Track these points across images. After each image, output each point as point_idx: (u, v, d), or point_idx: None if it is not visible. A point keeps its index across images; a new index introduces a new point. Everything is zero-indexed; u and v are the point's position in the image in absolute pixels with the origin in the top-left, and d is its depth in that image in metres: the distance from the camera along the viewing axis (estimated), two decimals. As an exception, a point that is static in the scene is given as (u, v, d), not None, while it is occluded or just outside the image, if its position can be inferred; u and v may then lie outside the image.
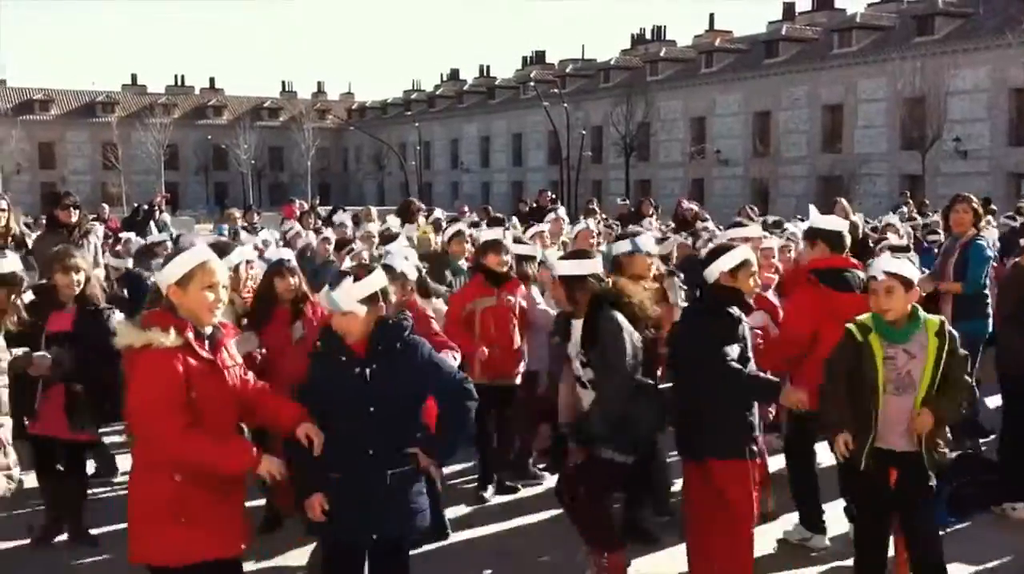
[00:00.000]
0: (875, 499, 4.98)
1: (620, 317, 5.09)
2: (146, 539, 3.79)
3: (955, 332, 4.85)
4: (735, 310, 4.93)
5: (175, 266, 3.79)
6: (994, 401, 8.62)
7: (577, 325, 5.22)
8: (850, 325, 4.94)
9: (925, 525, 4.94)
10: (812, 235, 6.20)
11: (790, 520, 6.36)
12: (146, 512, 3.76)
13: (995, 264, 9.38)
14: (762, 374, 5.13)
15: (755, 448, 5.02)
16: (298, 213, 18.23)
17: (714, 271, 5.06)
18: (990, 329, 7.98)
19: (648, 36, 72.32)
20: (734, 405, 4.96)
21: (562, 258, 5.45)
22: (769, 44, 56.00)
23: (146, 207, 20.22)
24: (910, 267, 4.89)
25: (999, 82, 43.22)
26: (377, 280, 4.18)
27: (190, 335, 3.73)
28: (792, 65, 53.37)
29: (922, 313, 4.84)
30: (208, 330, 3.84)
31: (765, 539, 5.99)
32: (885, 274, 4.79)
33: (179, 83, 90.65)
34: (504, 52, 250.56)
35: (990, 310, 8.01)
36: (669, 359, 5.50)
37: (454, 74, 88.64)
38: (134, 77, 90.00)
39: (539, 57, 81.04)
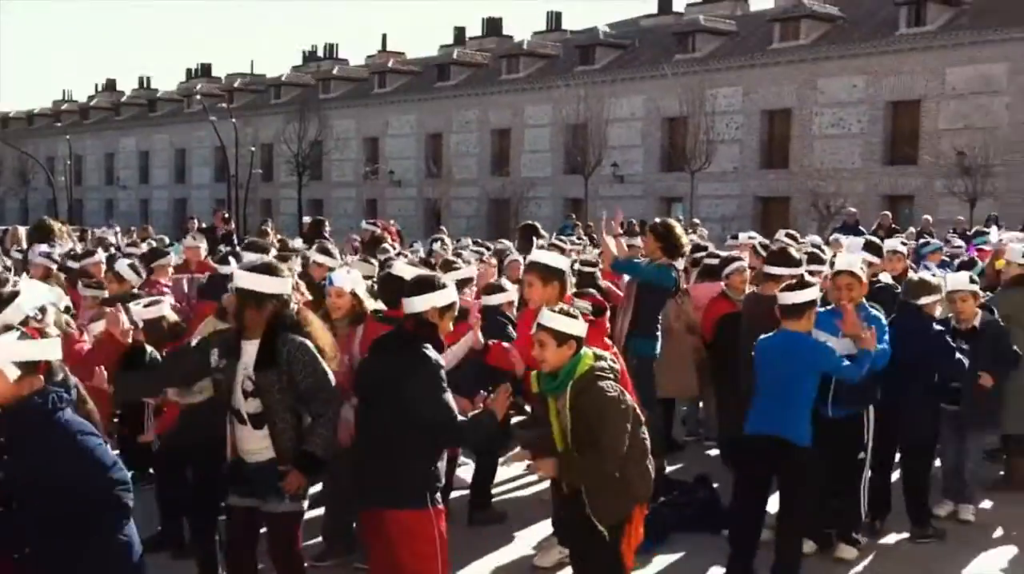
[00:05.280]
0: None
1: (311, 344, 4.74)
2: None
3: (605, 388, 4.61)
4: (431, 350, 4.57)
5: None
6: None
7: (249, 346, 4.70)
8: (533, 373, 4.94)
9: None
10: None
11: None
12: None
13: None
14: (484, 420, 4.70)
15: (438, 496, 4.67)
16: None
17: (423, 303, 4.71)
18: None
19: (320, 54, 71.22)
20: (421, 454, 4.60)
21: (247, 270, 4.86)
22: (441, 67, 56.69)
23: None
24: (565, 321, 4.72)
25: (653, 111, 46.10)
26: None
27: None
28: (463, 89, 54.28)
29: (587, 359, 4.68)
30: None
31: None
32: (538, 326, 4.74)
33: None
34: (166, 63, 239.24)
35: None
36: (356, 391, 4.92)
37: (110, 84, 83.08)
38: None
39: (205, 70, 77.52)
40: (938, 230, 20.38)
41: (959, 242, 15.27)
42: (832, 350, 5.90)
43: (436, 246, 13.03)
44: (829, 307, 6.42)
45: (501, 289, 7.49)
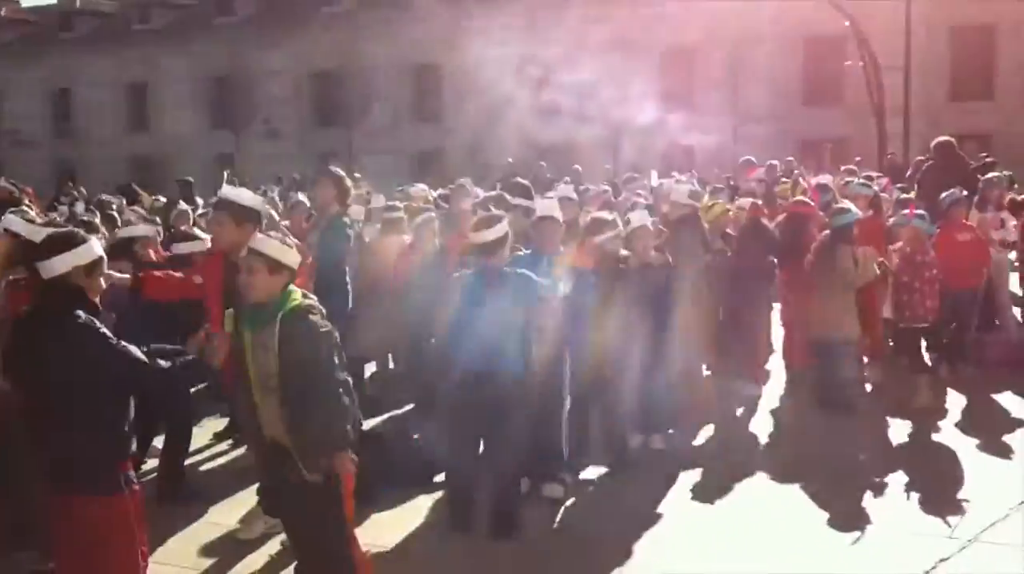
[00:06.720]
0: None
1: None
2: None
3: (318, 322, 4.44)
4: (82, 314, 4.07)
5: None
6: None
7: None
8: (228, 311, 4.70)
9: None
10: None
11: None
12: None
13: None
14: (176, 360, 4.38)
15: (131, 473, 4.27)
16: None
17: (61, 264, 4.12)
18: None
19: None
20: (100, 424, 4.10)
21: None
22: (64, 17, 52.08)
23: None
24: (280, 248, 4.50)
25: (303, 65, 44.91)
26: None
27: None
28: (91, 42, 50.20)
29: (297, 295, 4.50)
30: None
31: None
32: (249, 251, 4.49)
33: None
34: None
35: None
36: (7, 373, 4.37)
37: None
38: None
39: None
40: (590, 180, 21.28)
41: (606, 187, 16.15)
42: (532, 278, 5.97)
43: (79, 207, 11.92)
44: (529, 251, 6.48)
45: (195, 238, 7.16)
